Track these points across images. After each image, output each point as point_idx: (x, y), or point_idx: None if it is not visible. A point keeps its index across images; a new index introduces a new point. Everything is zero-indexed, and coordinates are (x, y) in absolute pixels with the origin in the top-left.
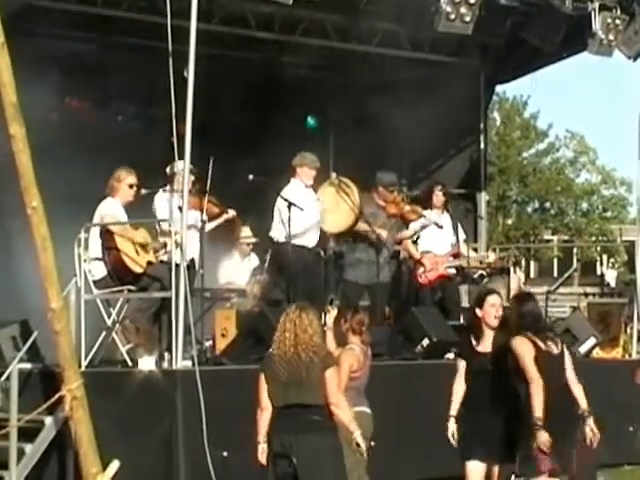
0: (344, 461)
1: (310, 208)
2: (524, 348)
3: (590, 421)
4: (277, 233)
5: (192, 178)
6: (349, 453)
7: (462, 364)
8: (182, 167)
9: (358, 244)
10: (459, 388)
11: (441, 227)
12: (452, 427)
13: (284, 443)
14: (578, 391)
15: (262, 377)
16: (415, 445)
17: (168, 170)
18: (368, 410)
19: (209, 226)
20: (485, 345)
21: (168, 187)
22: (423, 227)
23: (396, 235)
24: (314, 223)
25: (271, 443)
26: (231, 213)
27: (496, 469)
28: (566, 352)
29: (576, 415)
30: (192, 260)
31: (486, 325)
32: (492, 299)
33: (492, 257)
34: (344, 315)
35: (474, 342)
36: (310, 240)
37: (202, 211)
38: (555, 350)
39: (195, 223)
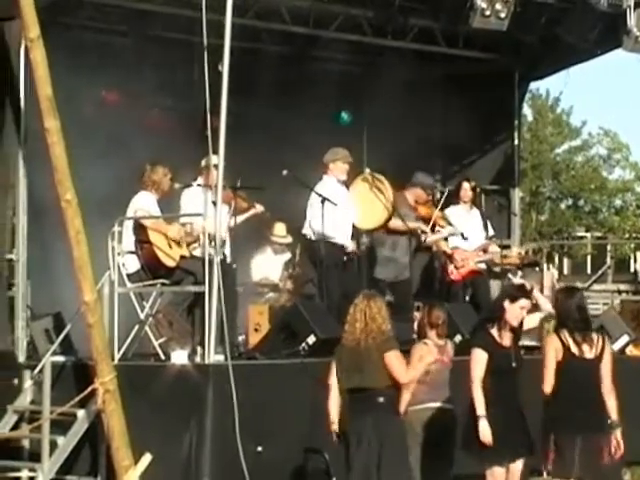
0: (406, 444)
1: (343, 204)
2: (550, 347)
3: (617, 433)
4: (310, 229)
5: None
6: (415, 448)
7: (484, 357)
8: (216, 161)
9: (386, 241)
10: (481, 384)
11: (466, 239)
12: (487, 428)
13: (353, 425)
14: (610, 400)
15: (333, 366)
16: None
17: (203, 162)
18: (442, 405)
19: (238, 220)
20: (506, 340)
21: (199, 181)
22: (450, 234)
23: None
24: (347, 219)
25: (341, 425)
26: (259, 208)
27: (519, 464)
28: (606, 356)
29: (603, 422)
30: (223, 254)
31: (508, 322)
32: (524, 302)
33: (523, 250)
34: (422, 311)
35: (496, 335)
36: (343, 236)
37: (231, 205)
38: (589, 354)
39: (225, 217)
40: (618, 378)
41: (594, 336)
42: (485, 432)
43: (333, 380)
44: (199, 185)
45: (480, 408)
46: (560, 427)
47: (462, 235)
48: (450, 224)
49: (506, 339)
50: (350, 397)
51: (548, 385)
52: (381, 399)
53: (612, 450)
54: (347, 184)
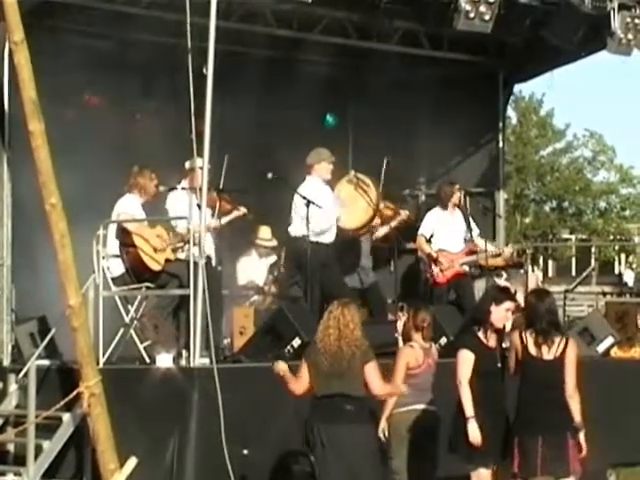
0: (375, 452)
1: (329, 205)
2: (511, 343)
3: (581, 435)
4: (295, 231)
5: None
6: (401, 451)
7: (471, 358)
8: (200, 164)
9: (348, 248)
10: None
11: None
12: (476, 429)
13: (317, 431)
14: (573, 402)
15: (304, 365)
16: None
17: (187, 165)
18: (426, 407)
19: (221, 222)
20: (492, 341)
21: (184, 184)
22: (399, 222)
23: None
24: (332, 220)
25: (306, 430)
26: (242, 210)
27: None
28: (568, 358)
29: (566, 423)
30: (208, 257)
31: (494, 324)
32: (509, 304)
33: (508, 250)
34: (407, 313)
35: (482, 336)
36: (328, 237)
37: (215, 208)
38: (547, 355)
39: (209, 220)
40: (603, 380)
41: (556, 338)
42: (474, 433)
43: (304, 378)
44: (183, 188)
45: (469, 409)
46: (522, 429)
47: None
48: (398, 213)
49: (491, 340)
50: (322, 403)
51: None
52: (353, 407)
53: (575, 452)
54: (331, 184)
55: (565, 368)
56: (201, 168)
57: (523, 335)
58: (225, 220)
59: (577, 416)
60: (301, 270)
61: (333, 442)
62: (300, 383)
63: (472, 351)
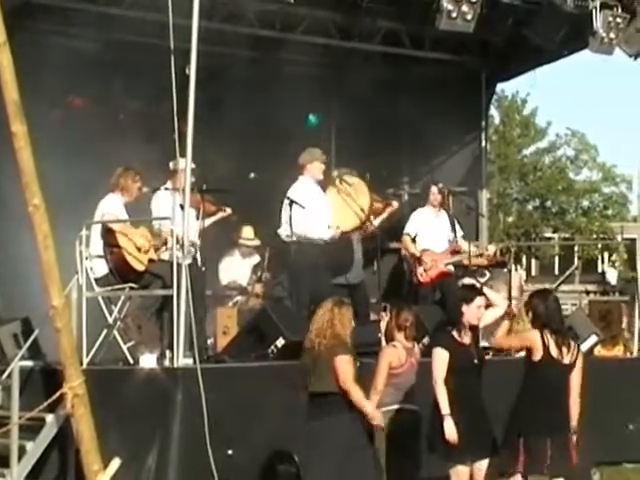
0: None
1: (321, 204)
2: (525, 340)
3: (574, 439)
4: (286, 231)
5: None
6: (383, 450)
7: (445, 356)
8: (184, 165)
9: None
10: (444, 382)
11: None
12: (452, 427)
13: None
14: (574, 407)
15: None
16: None
17: (171, 165)
18: (408, 407)
19: (206, 223)
20: (466, 339)
21: (168, 184)
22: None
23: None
24: (326, 219)
25: None
26: (227, 211)
27: (483, 464)
28: (579, 364)
29: (569, 424)
30: (194, 258)
31: (467, 322)
32: (480, 301)
33: (491, 249)
34: (390, 313)
35: (456, 335)
36: (322, 236)
37: (199, 209)
38: (566, 359)
39: (193, 220)
40: (586, 378)
41: (572, 342)
42: (451, 431)
43: None
44: (167, 189)
45: (444, 407)
46: (530, 429)
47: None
48: (389, 204)
49: (466, 338)
50: (309, 400)
51: (499, 339)
52: (329, 403)
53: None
54: (322, 184)
55: (575, 373)
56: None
57: (545, 336)
58: (210, 221)
59: (575, 421)
60: (290, 271)
61: (319, 437)
62: None
63: (446, 349)
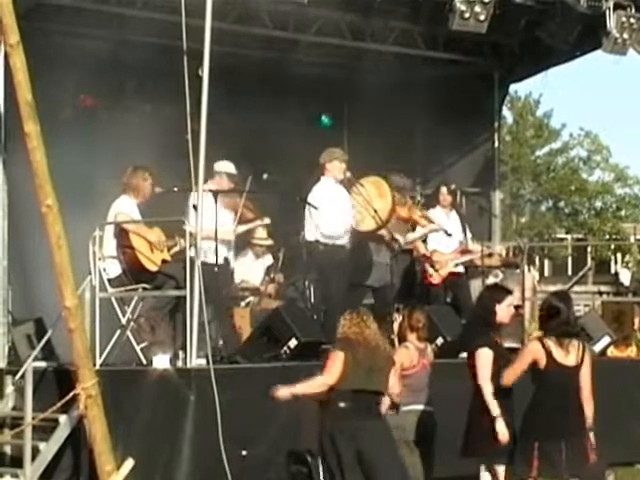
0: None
1: (343, 205)
2: (527, 354)
3: (591, 436)
4: (308, 233)
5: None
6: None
7: (491, 356)
8: (222, 168)
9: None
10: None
11: (450, 235)
12: (504, 427)
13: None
14: (587, 407)
15: (340, 358)
16: None
17: (215, 168)
18: (422, 408)
19: (240, 229)
20: (499, 339)
21: (210, 185)
22: (431, 231)
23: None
24: (347, 220)
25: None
26: (266, 220)
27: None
28: (586, 363)
29: (583, 426)
30: (226, 259)
31: (501, 322)
32: (510, 300)
33: (498, 249)
34: (402, 314)
35: (494, 335)
36: (344, 238)
37: (236, 213)
38: (571, 361)
39: (229, 224)
40: (599, 379)
41: (576, 342)
42: (503, 431)
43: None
44: (210, 190)
45: (494, 409)
46: (543, 434)
47: (446, 232)
48: (431, 222)
49: (498, 338)
50: (354, 397)
51: (508, 378)
52: (380, 405)
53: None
54: (345, 183)
55: (583, 373)
56: (227, 173)
57: (545, 343)
58: (244, 228)
59: (589, 420)
60: (316, 271)
61: (364, 436)
62: (333, 376)
63: (491, 349)
